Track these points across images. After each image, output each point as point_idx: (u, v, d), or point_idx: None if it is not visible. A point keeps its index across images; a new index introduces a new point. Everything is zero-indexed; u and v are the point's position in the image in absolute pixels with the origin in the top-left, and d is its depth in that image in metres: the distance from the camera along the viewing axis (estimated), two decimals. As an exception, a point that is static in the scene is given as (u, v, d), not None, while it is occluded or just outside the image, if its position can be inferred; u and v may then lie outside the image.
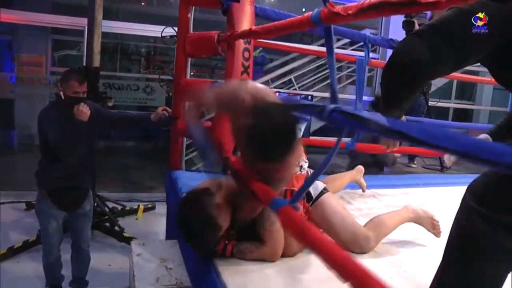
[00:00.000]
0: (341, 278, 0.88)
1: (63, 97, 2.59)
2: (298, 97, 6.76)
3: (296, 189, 1.77)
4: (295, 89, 7.52)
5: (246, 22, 2.44)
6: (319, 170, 1.30)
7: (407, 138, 0.73)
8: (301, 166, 1.85)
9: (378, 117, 0.85)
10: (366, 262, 1.75)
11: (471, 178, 1.14)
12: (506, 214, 0.97)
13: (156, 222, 4.27)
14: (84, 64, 4.26)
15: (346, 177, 2.59)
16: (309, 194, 1.86)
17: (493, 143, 0.59)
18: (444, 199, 2.66)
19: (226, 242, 1.68)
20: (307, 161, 1.91)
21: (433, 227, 1.97)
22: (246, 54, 2.44)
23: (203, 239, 1.61)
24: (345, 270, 0.88)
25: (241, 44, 2.42)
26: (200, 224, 1.58)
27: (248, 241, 1.71)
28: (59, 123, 2.56)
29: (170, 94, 6.25)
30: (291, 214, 1.17)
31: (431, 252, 1.90)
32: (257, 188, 1.47)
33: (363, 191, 2.69)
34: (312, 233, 1.07)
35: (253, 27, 2.12)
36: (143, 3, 9.96)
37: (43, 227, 2.75)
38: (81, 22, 5.53)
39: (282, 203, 1.22)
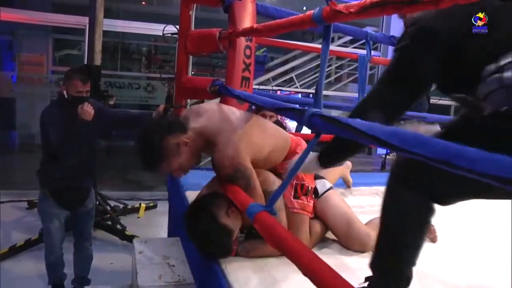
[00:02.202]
0: (316, 285, 0.90)
1: (66, 96, 2.59)
2: (299, 95, 6.76)
3: (305, 183, 1.77)
4: (296, 87, 7.51)
5: (247, 19, 2.43)
6: (294, 170, 1.28)
7: (383, 143, 0.72)
8: None
9: (357, 123, 0.85)
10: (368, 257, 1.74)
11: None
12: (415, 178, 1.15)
13: (158, 220, 4.27)
14: (86, 63, 4.27)
15: (336, 172, 2.59)
16: (316, 190, 1.87)
17: (467, 148, 0.58)
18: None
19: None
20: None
21: (429, 232, 1.96)
22: (248, 52, 2.44)
23: (219, 247, 1.59)
24: (320, 278, 0.90)
25: (242, 41, 2.42)
26: (213, 235, 1.56)
27: (250, 238, 1.71)
28: (61, 123, 2.56)
29: (172, 92, 6.25)
30: (267, 220, 1.17)
31: (433, 247, 1.90)
32: (235, 194, 1.50)
33: (348, 187, 2.70)
34: (286, 239, 1.07)
35: (255, 25, 2.12)
36: (143, 2, 9.96)
37: (45, 226, 2.75)
38: (83, 20, 5.54)
39: (258, 208, 1.22)
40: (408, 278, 1.24)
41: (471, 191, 1.13)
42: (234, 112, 1.79)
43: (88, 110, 2.53)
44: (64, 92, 2.59)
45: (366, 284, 1.30)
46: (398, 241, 1.22)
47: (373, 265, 1.28)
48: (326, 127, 0.97)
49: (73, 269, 2.93)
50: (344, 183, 2.74)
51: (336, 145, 1.31)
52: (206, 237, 1.58)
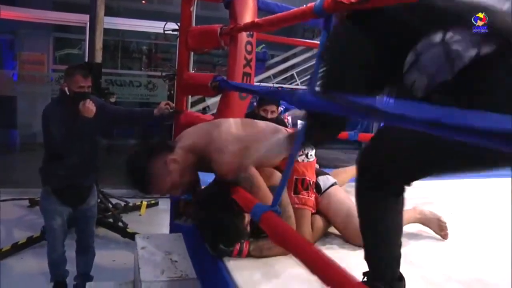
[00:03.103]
0: (323, 283, 0.89)
1: (67, 93, 2.58)
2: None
3: (307, 178, 1.77)
4: (297, 84, 7.52)
5: (248, 15, 2.43)
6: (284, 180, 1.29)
7: (376, 112, 0.70)
8: (307, 154, 1.83)
9: (350, 96, 0.84)
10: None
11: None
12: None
13: (159, 218, 4.27)
14: (86, 61, 4.27)
15: (349, 171, 2.60)
16: (318, 186, 1.86)
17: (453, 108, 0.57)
18: (448, 192, 2.65)
19: (242, 240, 1.63)
20: (313, 147, 1.88)
21: (440, 229, 1.94)
22: (249, 47, 2.43)
23: (234, 232, 1.58)
24: (327, 276, 0.89)
25: (243, 37, 2.41)
26: (228, 219, 1.56)
27: (259, 236, 1.68)
28: (63, 120, 2.55)
29: (172, 91, 6.24)
30: (274, 220, 1.17)
31: (437, 242, 1.90)
32: (239, 196, 1.49)
33: None
34: (294, 238, 1.07)
35: (256, 20, 2.11)
36: (143, 1, 9.94)
37: (48, 223, 2.75)
38: (83, 18, 5.54)
39: (264, 208, 1.22)
40: (394, 259, 1.27)
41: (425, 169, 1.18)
42: (220, 121, 1.80)
43: (89, 106, 2.52)
44: (66, 88, 2.58)
45: (365, 279, 1.32)
46: (369, 229, 1.29)
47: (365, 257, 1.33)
48: (318, 103, 0.94)
49: (76, 266, 2.94)
50: None
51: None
52: (223, 221, 1.57)
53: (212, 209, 1.61)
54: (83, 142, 2.60)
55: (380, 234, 1.27)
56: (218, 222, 1.59)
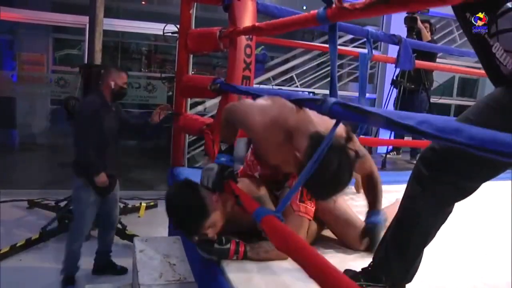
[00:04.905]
0: (320, 285, 0.89)
1: (113, 87, 2.93)
2: (306, 93, 6.78)
3: None
4: (297, 86, 7.52)
5: (247, 18, 2.43)
6: (301, 178, 1.23)
7: (412, 130, 0.71)
8: None
9: (380, 110, 0.85)
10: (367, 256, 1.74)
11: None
12: (444, 173, 1.19)
13: (158, 219, 4.26)
14: (86, 62, 4.26)
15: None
16: None
17: (499, 133, 0.57)
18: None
19: (237, 241, 1.63)
20: None
21: None
22: (248, 51, 2.43)
23: (188, 223, 1.62)
24: (327, 281, 0.89)
25: (243, 40, 2.42)
26: (188, 208, 1.60)
27: (254, 239, 1.68)
28: (107, 115, 2.92)
29: (172, 93, 6.23)
30: (274, 223, 1.17)
31: (435, 245, 1.89)
32: (243, 197, 1.50)
33: (358, 192, 2.62)
34: (295, 242, 1.07)
35: (257, 24, 2.12)
36: (143, 2, 9.94)
37: (81, 213, 2.96)
38: (83, 20, 5.53)
39: (266, 212, 1.23)
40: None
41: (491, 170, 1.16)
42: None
43: (105, 182, 2.89)
44: (112, 83, 2.91)
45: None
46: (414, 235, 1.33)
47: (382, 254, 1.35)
48: (348, 115, 0.97)
49: (98, 245, 3.24)
50: (354, 186, 2.69)
51: None
52: (182, 206, 1.62)
53: (183, 189, 1.69)
54: (116, 136, 3.01)
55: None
56: (181, 204, 1.63)
